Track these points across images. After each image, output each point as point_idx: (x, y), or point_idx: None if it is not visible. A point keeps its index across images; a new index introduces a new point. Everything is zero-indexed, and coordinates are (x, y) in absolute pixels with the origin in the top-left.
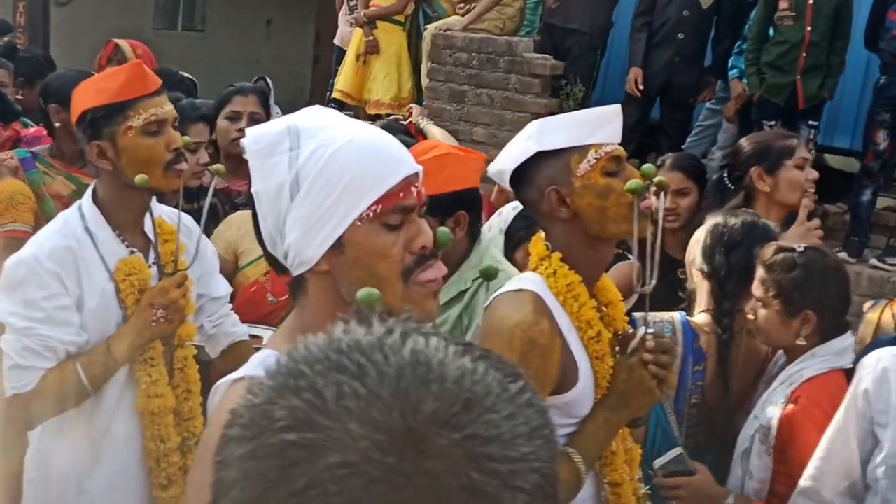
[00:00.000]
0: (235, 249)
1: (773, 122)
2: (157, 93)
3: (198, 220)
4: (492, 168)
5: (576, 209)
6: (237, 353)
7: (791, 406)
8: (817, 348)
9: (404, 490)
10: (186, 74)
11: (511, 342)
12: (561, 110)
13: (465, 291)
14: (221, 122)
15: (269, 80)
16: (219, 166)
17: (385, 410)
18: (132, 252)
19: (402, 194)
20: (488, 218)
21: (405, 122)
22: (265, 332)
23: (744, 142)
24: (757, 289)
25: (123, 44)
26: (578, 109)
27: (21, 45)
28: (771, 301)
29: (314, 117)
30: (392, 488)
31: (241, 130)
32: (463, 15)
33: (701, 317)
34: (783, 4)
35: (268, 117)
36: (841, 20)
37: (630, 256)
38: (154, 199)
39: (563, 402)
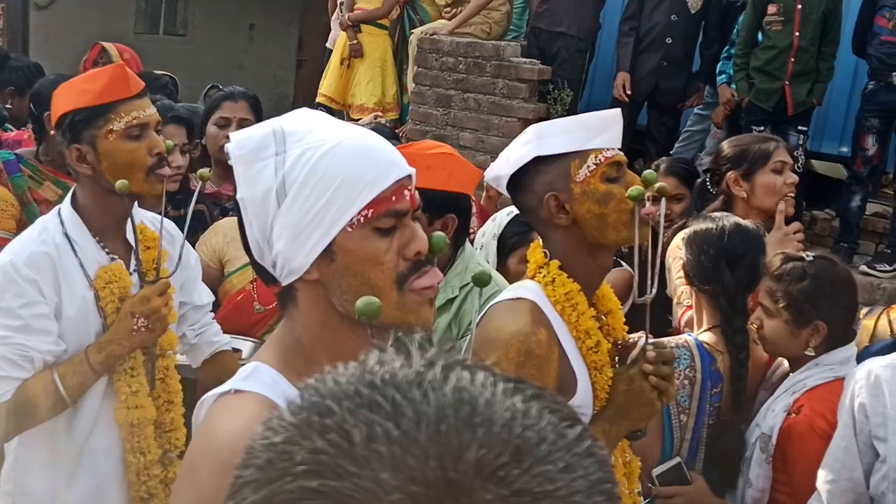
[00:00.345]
0: (221, 257)
1: (761, 128)
2: (139, 95)
3: (183, 228)
4: (489, 173)
5: (575, 216)
6: (219, 363)
7: (793, 416)
8: (821, 357)
9: None
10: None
11: (507, 353)
12: (549, 115)
13: (452, 300)
14: (211, 129)
15: (174, 77)
16: (203, 171)
17: (422, 457)
18: (113, 259)
19: (394, 198)
20: (482, 224)
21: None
22: (244, 344)
23: (724, 145)
24: (764, 299)
25: (110, 47)
26: (566, 114)
27: None
28: (780, 312)
29: (301, 120)
30: None
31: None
32: (449, 19)
33: (707, 336)
34: (772, 9)
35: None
36: (830, 25)
37: (623, 263)
38: (136, 204)
39: None
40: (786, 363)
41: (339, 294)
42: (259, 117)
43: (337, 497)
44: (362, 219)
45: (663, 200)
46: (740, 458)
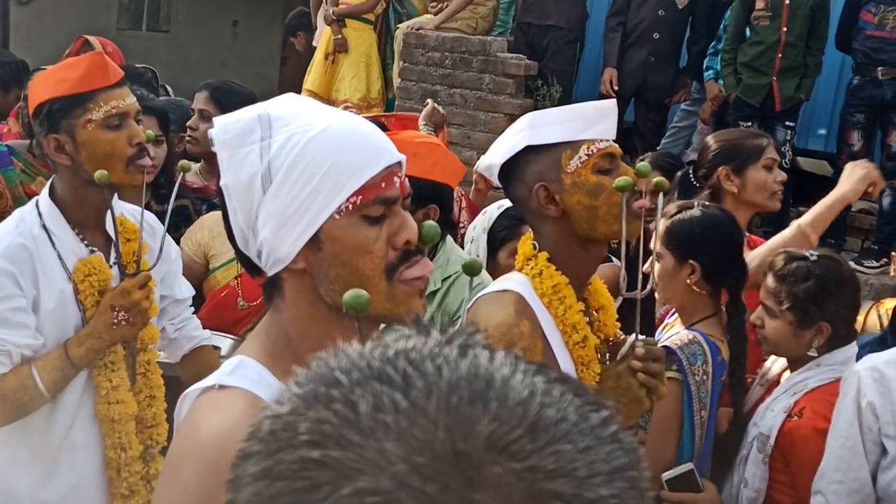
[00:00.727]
0: (206, 252)
1: (749, 124)
2: (118, 84)
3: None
4: (481, 163)
5: (565, 207)
6: (199, 359)
7: (795, 419)
8: (822, 357)
9: None
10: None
11: None
12: (536, 110)
13: (434, 293)
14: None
15: (154, 69)
16: (184, 162)
17: (430, 429)
18: (92, 251)
19: (383, 184)
20: (472, 218)
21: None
22: (223, 341)
23: (711, 139)
24: (767, 299)
25: (93, 40)
26: None
27: None
28: (784, 313)
29: (287, 105)
30: None
31: None
32: (435, 14)
33: (704, 326)
34: (760, 4)
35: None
36: (817, 21)
37: (614, 259)
38: (116, 196)
39: None
40: (781, 360)
41: (327, 284)
42: (223, 108)
43: (338, 468)
44: (351, 206)
45: (661, 195)
46: (735, 454)
